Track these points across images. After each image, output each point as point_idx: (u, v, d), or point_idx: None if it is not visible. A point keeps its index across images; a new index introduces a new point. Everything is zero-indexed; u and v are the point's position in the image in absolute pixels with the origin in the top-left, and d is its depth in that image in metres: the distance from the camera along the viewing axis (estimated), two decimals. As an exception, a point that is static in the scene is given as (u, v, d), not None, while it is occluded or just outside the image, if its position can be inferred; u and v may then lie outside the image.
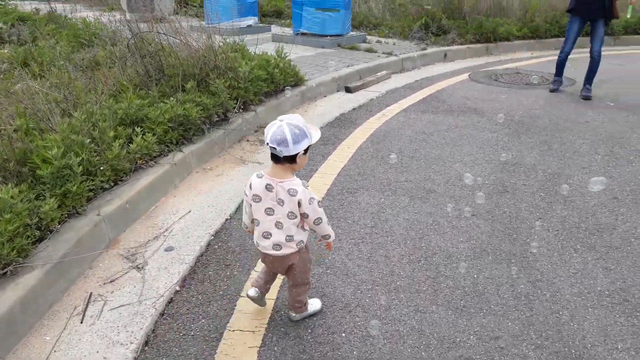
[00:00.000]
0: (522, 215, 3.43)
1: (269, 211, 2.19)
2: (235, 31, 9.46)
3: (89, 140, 3.46)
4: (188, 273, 2.89)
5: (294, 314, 2.47)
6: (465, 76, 7.45)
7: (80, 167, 3.14)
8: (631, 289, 2.67)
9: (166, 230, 3.36)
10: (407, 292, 2.67)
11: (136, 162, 3.73)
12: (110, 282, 2.84)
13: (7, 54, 5.79)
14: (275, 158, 2.11)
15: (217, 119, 4.73)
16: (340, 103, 6.18)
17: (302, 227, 2.27)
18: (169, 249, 3.13)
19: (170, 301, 2.66)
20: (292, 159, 2.09)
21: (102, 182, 3.37)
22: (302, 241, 2.27)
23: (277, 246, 2.23)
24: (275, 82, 5.74)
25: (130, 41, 5.10)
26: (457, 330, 2.40)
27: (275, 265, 2.35)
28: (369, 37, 9.77)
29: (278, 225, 2.20)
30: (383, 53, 8.24)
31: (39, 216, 2.82)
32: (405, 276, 2.80)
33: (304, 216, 2.20)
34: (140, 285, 2.79)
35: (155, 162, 3.90)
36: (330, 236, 2.29)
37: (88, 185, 3.22)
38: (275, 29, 10.72)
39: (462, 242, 3.12)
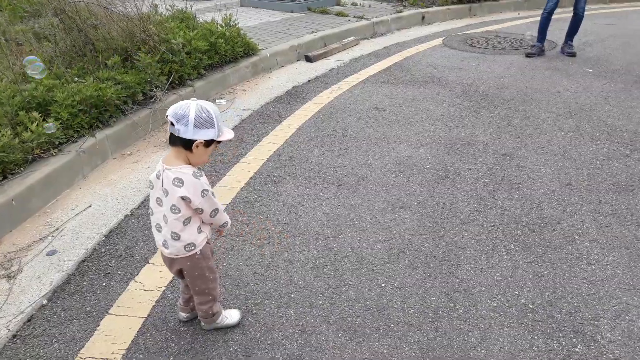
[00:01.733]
0: (457, 206, 3.03)
1: (159, 201, 1.89)
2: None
3: (-30, 129, 3.07)
4: (62, 283, 2.53)
5: (202, 323, 2.18)
6: (439, 41, 6.92)
7: (-54, 163, 2.75)
8: (560, 302, 2.29)
9: (57, 229, 3.00)
10: (299, 306, 2.31)
11: (32, 152, 3.33)
12: (-27, 295, 2.49)
13: None
14: (172, 139, 1.80)
15: (143, 97, 4.29)
16: (296, 74, 5.71)
17: (199, 229, 1.92)
18: (52, 253, 2.78)
19: (30, 319, 2.32)
20: (187, 145, 1.78)
21: (-19, 177, 2.99)
22: (192, 244, 1.92)
23: (165, 242, 1.93)
24: (220, 54, 5.28)
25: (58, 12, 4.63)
26: (342, 357, 2.05)
27: (167, 265, 2.04)
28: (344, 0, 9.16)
29: (165, 218, 1.89)
30: (354, 17, 7.69)
31: None
32: (303, 286, 2.44)
33: (198, 212, 1.87)
34: (3, 299, 2.45)
35: (60, 150, 3.51)
36: (227, 223, 2.01)
37: (-40, 183, 2.84)
38: (248, -8, 10.09)
39: (380, 241, 2.74)
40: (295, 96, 5.00)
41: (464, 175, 3.38)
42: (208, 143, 1.81)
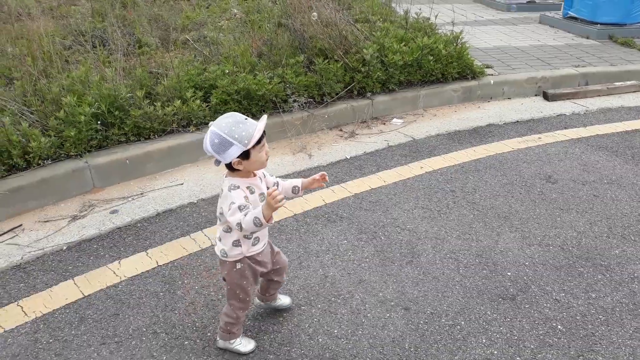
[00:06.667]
0: (472, 342, 2.17)
1: None
2: (504, 6, 8.32)
3: (129, 95, 3.77)
4: (87, 239, 2.96)
5: (217, 337, 2.17)
6: None
7: (84, 117, 3.47)
8: None
9: (141, 194, 3.48)
10: None
11: (171, 125, 3.86)
12: (45, 221, 3.17)
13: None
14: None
15: (306, 100, 4.38)
16: (512, 110, 4.84)
17: (235, 242, 1.94)
18: (114, 212, 3.25)
19: (39, 257, 2.81)
20: (229, 167, 1.85)
21: (115, 135, 3.66)
22: (225, 252, 1.97)
23: (216, 241, 2.04)
24: (425, 71, 4.88)
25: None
26: None
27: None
28: (678, 32, 7.07)
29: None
30: (662, 56, 5.89)
31: (24, 149, 3.30)
32: (177, 336, 2.22)
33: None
34: (51, 233, 3.03)
35: (198, 129, 3.97)
36: (260, 221, 1.75)
37: (94, 135, 3.55)
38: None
39: (323, 335, 2.22)
40: (477, 136, 4.28)
41: (537, 307, 2.36)
42: (245, 155, 1.79)
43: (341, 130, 4.47)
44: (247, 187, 1.88)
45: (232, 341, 2.13)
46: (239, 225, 1.78)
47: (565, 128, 4.41)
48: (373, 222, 3.04)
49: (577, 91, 5.18)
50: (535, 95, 5.27)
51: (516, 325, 2.25)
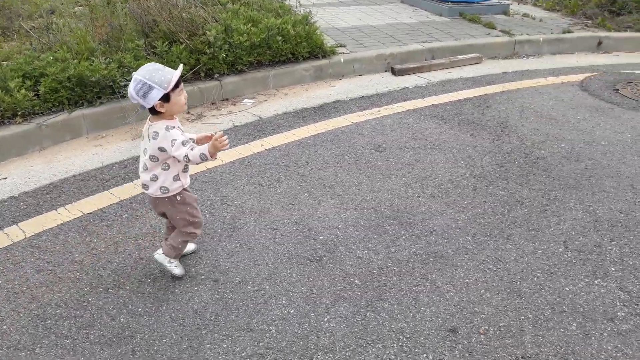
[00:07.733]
0: (270, 306, 2.25)
1: (145, 151, 2.18)
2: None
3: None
4: None
5: (159, 252, 2.37)
6: (580, 77, 5.27)
7: None
8: None
9: (-43, 192, 3.22)
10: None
11: (-6, 117, 3.62)
12: None
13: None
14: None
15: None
16: (359, 87, 5.03)
17: (176, 177, 2.20)
18: None
19: None
20: (153, 110, 2.06)
21: None
22: (166, 188, 2.20)
23: (145, 185, 2.23)
24: (274, 51, 4.93)
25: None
26: None
27: (152, 206, 2.36)
28: (520, 9, 7.72)
29: (144, 166, 2.19)
30: (501, 31, 6.40)
31: None
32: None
33: (176, 159, 2.13)
34: None
35: (26, 120, 3.75)
36: (206, 156, 2.05)
37: None
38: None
39: (126, 314, 2.21)
40: (322, 112, 4.41)
41: (340, 265, 2.50)
42: (165, 97, 2.00)
43: (189, 112, 4.43)
44: (178, 127, 2.12)
45: (172, 260, 2.35)
46: (186, 157, 2.04)
47: (405, 100, 4.67)
48: (201, 201, 3.05)
49: (422, 65, 5.50)
50: (385, 71, 5.52)
51: (317, 284, 2.38)
